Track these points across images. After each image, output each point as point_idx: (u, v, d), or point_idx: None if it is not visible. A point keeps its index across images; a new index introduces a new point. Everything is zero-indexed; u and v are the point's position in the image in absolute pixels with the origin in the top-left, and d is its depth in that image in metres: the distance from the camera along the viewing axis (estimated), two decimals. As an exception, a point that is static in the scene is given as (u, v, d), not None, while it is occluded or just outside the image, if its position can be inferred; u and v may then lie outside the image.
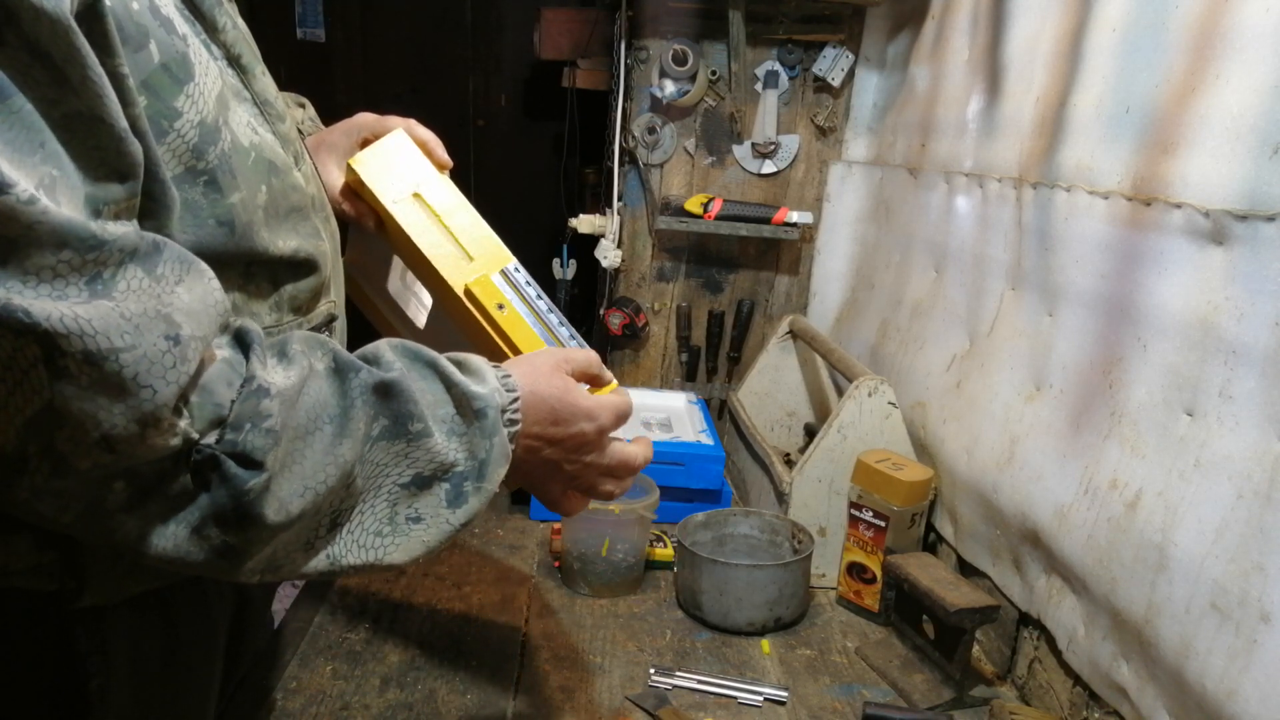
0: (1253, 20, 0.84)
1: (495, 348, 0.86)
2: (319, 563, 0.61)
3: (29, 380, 0.46)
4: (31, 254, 0.45)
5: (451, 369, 0.67)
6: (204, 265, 0.55)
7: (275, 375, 0.58)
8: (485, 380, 0.68)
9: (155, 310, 0.50)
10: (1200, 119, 0.89)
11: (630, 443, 0.81)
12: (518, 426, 0.69)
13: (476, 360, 0.71)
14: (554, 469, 0.76)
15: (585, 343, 0.90)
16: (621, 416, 0.78)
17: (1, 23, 0.44)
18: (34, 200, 0.44)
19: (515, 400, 0.69)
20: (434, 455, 0.64)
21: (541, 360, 0.76)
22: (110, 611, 0.67)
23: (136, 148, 0.52)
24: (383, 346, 0.66)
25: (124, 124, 0.51)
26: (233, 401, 0.55)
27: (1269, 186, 0.80)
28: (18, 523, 0.60)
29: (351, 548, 0.62)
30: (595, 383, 0.81)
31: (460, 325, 0.90)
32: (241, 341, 0.58)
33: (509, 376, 0.71)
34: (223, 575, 0.58)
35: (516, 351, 0.85)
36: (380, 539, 0.63)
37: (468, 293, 0.86)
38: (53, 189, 0.48)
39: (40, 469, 0.48)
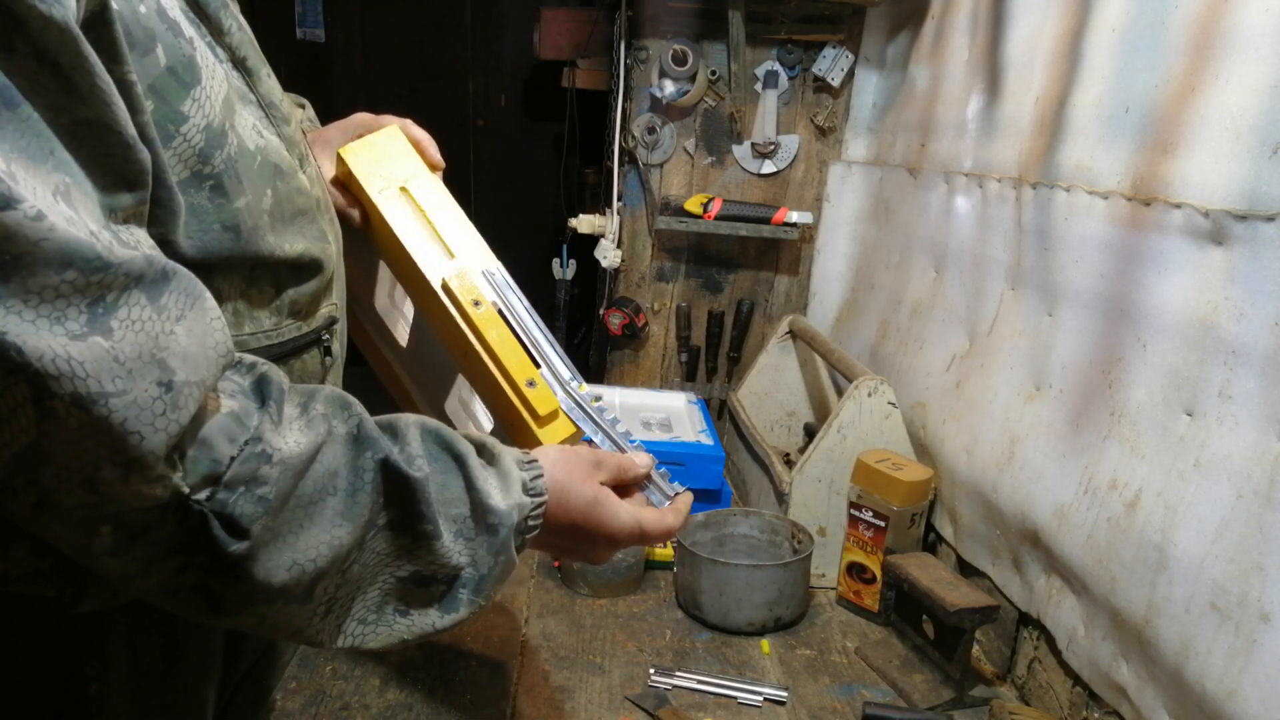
0: (1253, 20, 0.84)
1: (468, 347, 0.85)
2: (302, 641, 0.62)
3: (16, 418, 0.45)
4: (35, 272, 0.44)
5: (476, 469, 0.65)
6: (211, 302, 0.54)
7: (286, 438, 0.56)
8: (509, 488, 0.67)
9: (150, 353, 0.48)
10: (1200, 119, 0.89)
11: (665, 503, 0.81)
12: (535, 533, 0.69)
13: (508, 459, 0.69)
14: (557, 552, 0.78)
15: (563, 351, 0.88)
16: (650, 537, 0.77)
17: (10, 30, 0.43)
18: (41, 217, 0.43)
19: (539, 506, 0.69)
20: (437, 557, 0.63)
21: (576, 463, 0.74)
22: (109, 617, 0.67)
23: (145, 155, 0.51)
24: (411, 428, 0.64)
25: (132, 131, 0.50)
26: (232, 459, 0.53)
27: (1268, 186, 0.80)
28: (13, 529, 0.60)
29: (335, 635, 0.61)
30: (628, 483, 0.80)
31: (437, 326, 0.89)
32: (260, 392, 0.57)
33: (540, 478, 0.69)
34: (213, 624, 0.58)
35: (490, 352, 0.83)
36: (363, 626, 0.62)
37: (445, 287, 0.84)
38: (68, 195, 0.47)
39: (26, 500, 0.48)
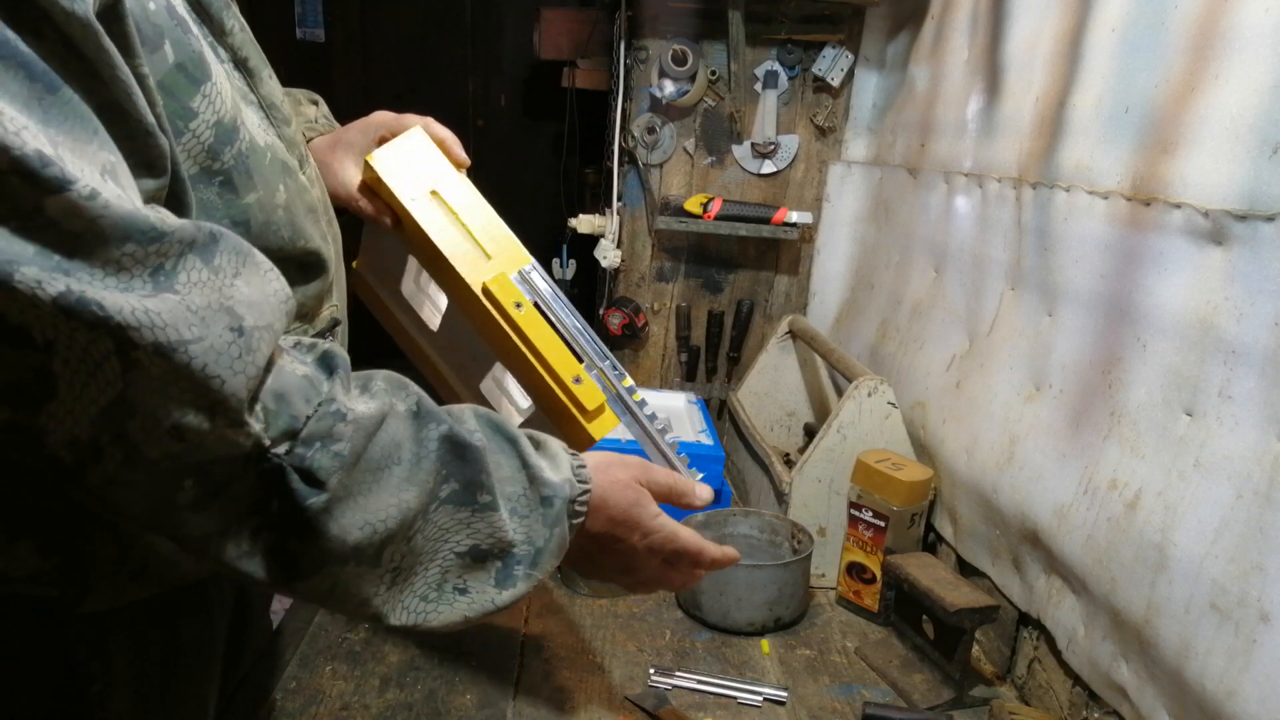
0: (1252, 20, 0.84)
1: (511, 346, 0.86)
2: (367, 611, 0.62)
3: (103, 371, 0.46)
4: (97, 248, 0.46)
5: (529, 449, 0.68)
6: (261, 256, 0.56)
7: (356, 403, 0.58)
8: (559, 468, 0.69)
9: (218, 303, 0.51)
10: (1199, 119, 0.89)
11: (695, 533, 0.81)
12: (582, 519, 0.70)
13: (555, 445, 0.71)
14: (602, 571, 0.78)
15: (604, 345, 0.89)
16: (687, 555, 0.78)
17: (38, 19, 0.44)
18: (95, 195, 0.45)
19: (585, 494, 0.70)
20: (495, 530, 0.64)
21: (622, 469, 0.76)
22: (111, 617, 0.67)
23: (164, 142, 0.53)
24: (467, 411, 0.66)
25: (151, 119, 0.52)
26: (308, 417, 0.55)
27: (1268, 186, 0.80)
28: (19, 529, 0.60)
29: (396, 609, 0.62)
30: (677, 504, 0.81)
31: (477, 325, 0.90)
32: (327, 364, 0.59)
33: (583, 468, 0.71)
34: (283, 590, 0.58)
35: (534, 350, 0.85)
36: (425, 604, 0.63)
37: (485, 291, 0.85)
38: (115, 173, 0.49)
39: (114, 457, 0.49)
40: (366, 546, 0.58)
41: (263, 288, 0.55)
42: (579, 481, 0.70)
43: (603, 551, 0.75)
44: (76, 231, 0.45)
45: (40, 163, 0.43)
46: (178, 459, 0.50)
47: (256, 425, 0.52)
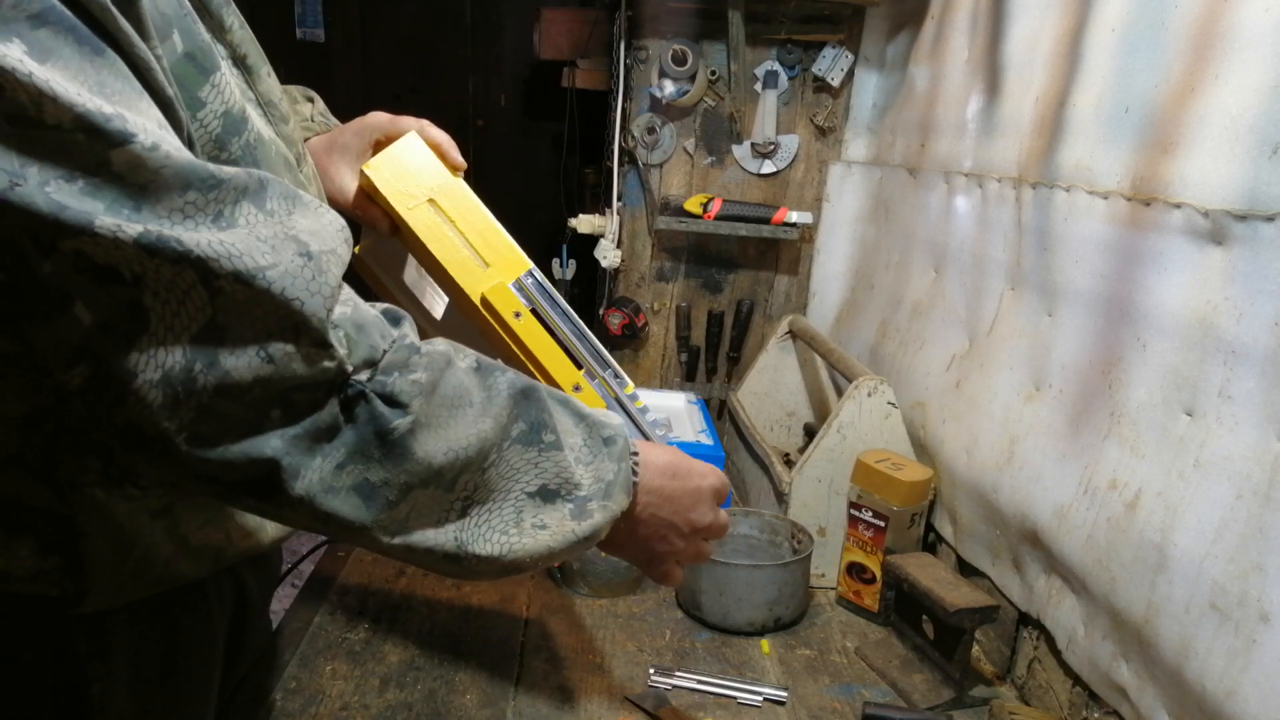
0: (1252, 20, 0.84)
1: (510, 353, 0.87)
2: (446, 541, 0.63)
3: (191, 299, 0.49)
4: (163, 197, 0.49)
5: (582, 404, 0.71)
6: (309, 197, 0.59)
7: (423, 345, 0.62)
8: (611, 417, 0.73)
9: (283, 234, 0.54)
10: (1199, 119, 0.89)
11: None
12: (637, 476, 0.72)
13: (601, 410, 0.75)
14: (671, 531, 0.77)
15: (605, 350, 0.90)
16: (724, 482, 0.81)
17: None
18: (156, 146, 0.48)
19: (636, 450, 0.73)
20: (561, 469, 0.67)
21: (652, 443, 0.80)
22: (111, 617, 0.67)
23: (184, 114, 0.56)
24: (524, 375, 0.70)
25: (170, 93, 0.54)
26: (385, 350, 0.59)
27: (1268, 186, 0.80)
28: (20, 528, 0.60)
29: (478, 539, 0.64)
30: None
31: (478, 329, 0.90)
32: (392, 315, 0.63)
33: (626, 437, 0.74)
34: (359, 528, 0.59)
35: (533, 359, 0.86)
36: (506, 537, 0.65)
37: (484, 301, 0.86)
38: (168, 128, 0.52)
39: (206, 387, 0.51)
40: (449, 470, 0.61)
41: (319, 219, 0.57)
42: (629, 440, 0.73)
43: (667, 505, 0.76)
44: (142, 184, 0.47)
45: (103, 118, 0.45)
46: (267, 384, 0.53)
47: (340, 349, 0.55)
